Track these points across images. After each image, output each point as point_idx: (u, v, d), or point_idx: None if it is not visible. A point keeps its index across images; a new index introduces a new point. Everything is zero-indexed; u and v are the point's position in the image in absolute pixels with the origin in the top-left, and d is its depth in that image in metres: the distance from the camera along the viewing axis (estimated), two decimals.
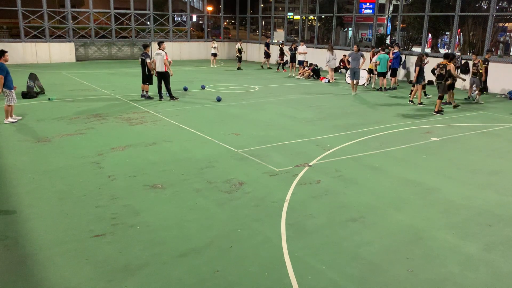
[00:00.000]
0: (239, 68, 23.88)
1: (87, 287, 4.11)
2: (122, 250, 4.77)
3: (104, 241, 4.94)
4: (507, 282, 4.35)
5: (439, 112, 12.67)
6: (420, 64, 13.86)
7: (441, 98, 12.74)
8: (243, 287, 4.16)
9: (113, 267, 4.44)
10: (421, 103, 13.99)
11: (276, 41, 27.56)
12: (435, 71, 13.13)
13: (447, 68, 12.59)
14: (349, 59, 16.18)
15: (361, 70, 17.10)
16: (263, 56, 25.69)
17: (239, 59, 24.27)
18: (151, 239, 5.02)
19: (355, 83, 16.04)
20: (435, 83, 13.50)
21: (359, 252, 4.83)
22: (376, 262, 4.63)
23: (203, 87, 16.43)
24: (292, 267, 4.49)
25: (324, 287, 4.19)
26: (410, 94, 14.58)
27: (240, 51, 24.17)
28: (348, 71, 19.41)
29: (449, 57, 12.86)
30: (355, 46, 16.55)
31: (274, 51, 26.34)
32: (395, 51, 17.84)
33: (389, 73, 18.01)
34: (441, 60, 13.04)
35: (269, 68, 25.22)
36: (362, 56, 16.03)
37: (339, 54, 23.31)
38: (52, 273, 4.31)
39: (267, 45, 25.21)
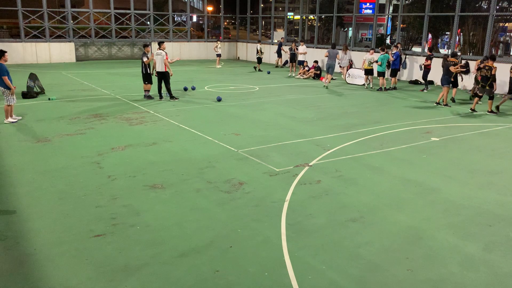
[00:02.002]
0: (259, 70, 23.38)
1: (87, 287, 4.11)
2: (122, 250, 4.77)
3: (104, 241, 4.94)
4: (507, 282, 4.35)
5: (492, 112, 12.85)
6: (446, 64, 13.81)
7: (491, 98, 12.86)
8: (243, 287, 4.16)
9: (113, 267, 4.44)
10: (438, 103, 13.97)
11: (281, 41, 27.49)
12: (480, 73, 13.04)
13: (493, 72, 12.56)
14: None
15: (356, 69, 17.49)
16: (277, 55, 25.86)
17: (259, 60, 23.65)
18: (151, 239, 5.02)
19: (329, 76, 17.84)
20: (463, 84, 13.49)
21: (359, 252, 4.83)
22: (376, 262, 4.63)
23: (193, 88, 16.19)
24: (292, 267, 4.49)
25: (324, 287, 4.19)
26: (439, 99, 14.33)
27: (260, 52, 23.62)
28: (349, 71, 19.58)
29: (495, 58, 12.85)
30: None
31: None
32: (394, 51, 17.90)
33: (388, 72, 18.05)
34: (486, 62, 12.98)
35: (282, 67, 25.33)
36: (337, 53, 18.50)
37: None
38: (52, 273, 4.31)
39: (281, 45, 25.32)
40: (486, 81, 12.73)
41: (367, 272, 4.44)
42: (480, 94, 12.99)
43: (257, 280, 4.27)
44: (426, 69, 17.51)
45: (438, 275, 4.43)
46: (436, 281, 4.32)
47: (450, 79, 13.97)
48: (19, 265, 4.45)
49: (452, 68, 13.73)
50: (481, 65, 13.10)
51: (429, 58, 17.54)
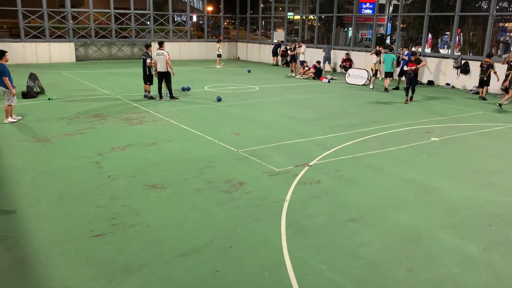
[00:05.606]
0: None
1: (87, 287, 4.11)
2: (122, 250, 4.77)
3: (104, 241, 4.94)
4: (507, 282, 4.35)
5: None
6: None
7: None
8: (243, 287, 4.16)
9: (113, 267, 4.44)
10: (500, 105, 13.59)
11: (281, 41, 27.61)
12: None
13: None
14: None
15: (361, 70, 17.42)
16: (272, 55, 26.24)
17: (300, 62, 22.95)
18: (151, 239, 5.02)
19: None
20: None
21: (359, 252, 4.83)
22: (376, 262, 4.63)
23: (188, 89, 15.97)
24: (292, 267, 4.49)
25: (324, 287, 4.19)
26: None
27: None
28: (349, 71, 19.61)
29: None
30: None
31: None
32: (405, 52, 17.98)
33: (397, 73, 18.11)
34: None
35: (277, 65, 25.62)
36: None
37: (341, 53, 23.49)
38: (52, 273, 4.31)
39: (279, 45, 25.43)
40: None
41: (367, 272, 4.44)
42: None
43: (257, 280, 4.27)
44: (415, 74, 14.40)
45: (438, 275, 4.43)
46: (436, 281, 4.32)
47: None
48: (19, 264, 4.45)
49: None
50: None
51: (418, 62, 14.20)
